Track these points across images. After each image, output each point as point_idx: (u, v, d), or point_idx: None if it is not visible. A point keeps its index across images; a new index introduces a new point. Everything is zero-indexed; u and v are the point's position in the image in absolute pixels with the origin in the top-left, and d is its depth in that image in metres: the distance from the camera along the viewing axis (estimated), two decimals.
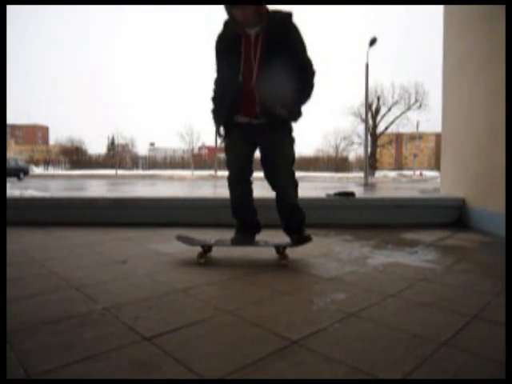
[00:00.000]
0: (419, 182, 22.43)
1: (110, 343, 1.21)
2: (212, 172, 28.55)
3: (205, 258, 2.22)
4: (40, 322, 1.37)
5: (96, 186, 14.96)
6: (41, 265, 2.14)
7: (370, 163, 24.33)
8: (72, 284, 1.79)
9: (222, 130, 2.26)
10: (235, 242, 2.31)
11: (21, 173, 20.00)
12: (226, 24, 2.19)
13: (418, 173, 34.37)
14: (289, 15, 2.13)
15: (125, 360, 1.11)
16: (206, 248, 2.26)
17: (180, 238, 2.39)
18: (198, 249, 2.24)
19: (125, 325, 1.35)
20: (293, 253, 2.29)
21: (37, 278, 1.89)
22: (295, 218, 2.29)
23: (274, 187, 2.28)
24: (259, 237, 2.37)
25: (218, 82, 2.31)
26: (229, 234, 2.36)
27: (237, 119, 2.20)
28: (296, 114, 2.21)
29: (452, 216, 3.56)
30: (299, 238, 2.27)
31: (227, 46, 2.17)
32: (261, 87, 2.12)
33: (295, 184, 2.28)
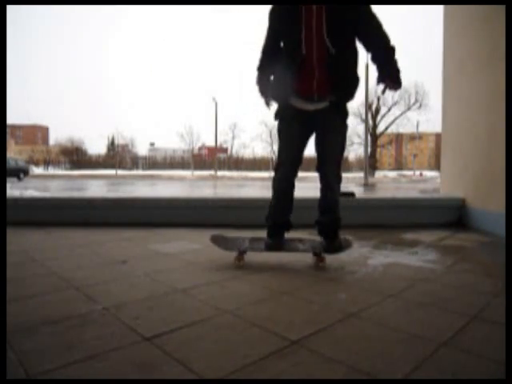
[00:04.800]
0: (419, 182, 22.42)
1: (110, 343, 1.21)
2: (212, 172, 28.48)
3: (243, 262, 2.15)
4: (40, 322, 1.37)
5: (96, 186, 14.95)
6: (41, 265, 2.14)
7: (370, 163, 24.32)
8: (72, 284, 1.79)
9: (270, 100, 2.16)
10: (270, 247, 2.21)
11: (21, 173, 19.98)
12: None
13: (418, 173, 34.36)
14: None
15: (125, 360, 1.11)
16: (242, 251, 2.19)
17: (214, 240, 2.26)
18: (198, 249, 2.23)
19: (125, 325, 1.35)
20: (292, 253, 2.29)
21: (37, 278, 1.89)
22: (333, 217, 2.22)
23: (320, 176, 2.18)
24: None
25: (267, 52, 2.17)
26: (231, 234, 2.35)
27: (294, 102, 2.08)
28: (352, 94, 2.11)
29: (452, 216, 3.56)
30: (339, 246, 2.21)
31: (287, 14, 2.03)
32: (325, 62, 1.99)
33: (339, 178, 2.18)
